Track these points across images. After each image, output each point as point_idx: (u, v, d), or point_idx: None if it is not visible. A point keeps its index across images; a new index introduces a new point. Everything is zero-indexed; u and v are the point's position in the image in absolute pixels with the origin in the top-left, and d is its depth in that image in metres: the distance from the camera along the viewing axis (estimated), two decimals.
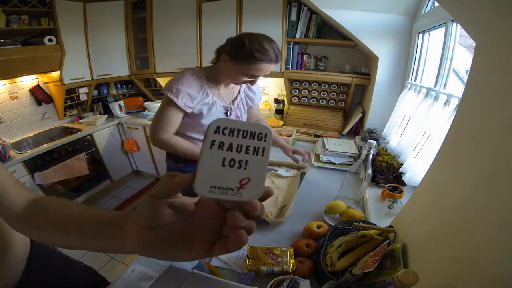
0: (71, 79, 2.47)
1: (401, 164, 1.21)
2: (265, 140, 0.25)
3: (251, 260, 0.74)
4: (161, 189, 0.26)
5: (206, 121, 1.09)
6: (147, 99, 3.06)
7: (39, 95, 2.44)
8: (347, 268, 0.67)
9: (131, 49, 2.72)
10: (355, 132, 2.00)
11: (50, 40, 2.21)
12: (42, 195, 0.47)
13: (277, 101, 2.42)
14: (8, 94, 2.26)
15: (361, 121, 1.98)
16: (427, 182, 0.74)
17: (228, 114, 1.16)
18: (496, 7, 0.48)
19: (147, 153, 2.86)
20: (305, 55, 2.21)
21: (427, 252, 0.61)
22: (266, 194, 0.26)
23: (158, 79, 2.83)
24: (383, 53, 1.68)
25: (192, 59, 2.43)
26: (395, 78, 1.74)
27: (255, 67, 0.98)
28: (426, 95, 1.21)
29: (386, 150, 1.39)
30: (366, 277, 0.60)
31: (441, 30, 1.22)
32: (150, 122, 1.69)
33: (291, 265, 0.72)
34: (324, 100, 2.25)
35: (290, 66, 2.20)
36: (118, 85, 3.04)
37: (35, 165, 2.10)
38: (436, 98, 1.11)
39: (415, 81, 1.56)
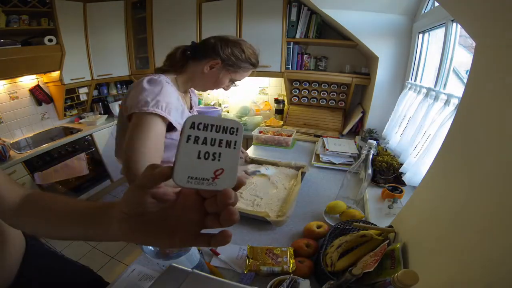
0: (71, 79, 2.47)
1: (401, 164, 1.21)
2: (236, 134, 0.28)
3: (251, 260, 0.74)
4: (144, 180, 0.27)
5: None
6: None
7: (39, 95, 2.44)
8: (347, 268, 0.67)
9: (131, 49, 2.72)
10: (355, 132, 2.00)
11: (50, 40, 2.21)
12: (34, 190, 0.49)
13: (277, 101, 2.42)
14: (8, 94, 2.26)
15: (361, 121, 1.98)
16: (427, 182, 0.74)
17: None
18: (496, 7, 0.48)
19: None
20: (305, 55, 2.21)
21: (427, 252, 0.61)
22: (239, 184, 0.28)
23: None
24: (383, 53, 1.68)
25: None
26: (395, 78, 1.74)
27: (247, 73, 0.99)
28: (426, 95, 1.21)
29: (386, 150, 1.39)
30: (366, 277, 0.60)
31: (441, 30, 1.22)
32: None
33: (291, 265, 0.72)
34: (324, 100, 2.25)
35: (290, 66, 2.21)
36: (118, 85, 3.04)
37: (35, 165, 2.10)
38: (436, 98, 1.11)
39: (415, 81, 1.56)
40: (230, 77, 0.97)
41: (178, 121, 0.84)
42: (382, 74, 1.74)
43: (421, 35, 1.52)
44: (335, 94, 2.20)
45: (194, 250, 0.65)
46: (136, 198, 0.28)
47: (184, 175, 0.26)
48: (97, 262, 1.98)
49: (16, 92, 2.31)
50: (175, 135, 0.88)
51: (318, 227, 0.87)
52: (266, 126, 2.15)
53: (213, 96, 2.81)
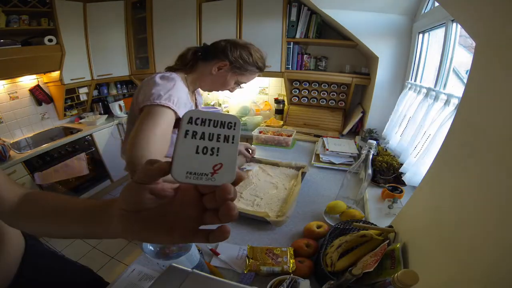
0: (71, 79, 2.47)
1: (401, 164, 1.21)
2: (234, 129, 0.27)
3: (251, 260, 0.74)
4: (142, 176, 0.27)
5: None
6: None
7: (39, 95, 2.44)
8: (347, 268, 0.67)
9: (131, 49, 2.72)
10: (355, 132, 2.00)
11: (50, 40, 2.21)
12: (33, 189, 0.49)
13: (277, 101, 2.42)
14: (8, 94, 2.26)
15: (361, 121, 1.98)
16: (427, 182, 0.74)
17: None
18: (496, 7, 0.48)
19: None
20: (305, 55, 2.21)
21: (427, 252, 0.61)
22: (238, 179, 0.28)
23: None
24: (383, 53, 1.68)
25: None
26: (395, 78, 1.74)
27: (253, 76, 1.02)
28: (426, 95, 1.21)
29: (386, 150, 1.39)
30: (366, 277, 0.60)
31: (441, 30, 1.22)
32: None
33: (291, 265, 0.72)
34: (324, 100, 2.25)
35: (290, 66, 2.20)
36: (118, 85, 3.04)
37: (35, 165, 2.10)
38: (436, 98, 1.11)
39: (415, 81, 1.56)
40: (236, 79, 1.00)
41: None
42: (382, 74, 1.74)
43: (421, 35, 1.52)
44: (335, 94, 2.20)
45: (194, 250, 0.65)
46: (135, 194, 0.28)
47: (182, 170, 0.25)
48: (97, 262, 1.98)
49: (16, 92, 2.31)
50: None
51: (318, 227, 0.87)
52: (266, 126, 2.15)
53: (213, 96, 2.81)
